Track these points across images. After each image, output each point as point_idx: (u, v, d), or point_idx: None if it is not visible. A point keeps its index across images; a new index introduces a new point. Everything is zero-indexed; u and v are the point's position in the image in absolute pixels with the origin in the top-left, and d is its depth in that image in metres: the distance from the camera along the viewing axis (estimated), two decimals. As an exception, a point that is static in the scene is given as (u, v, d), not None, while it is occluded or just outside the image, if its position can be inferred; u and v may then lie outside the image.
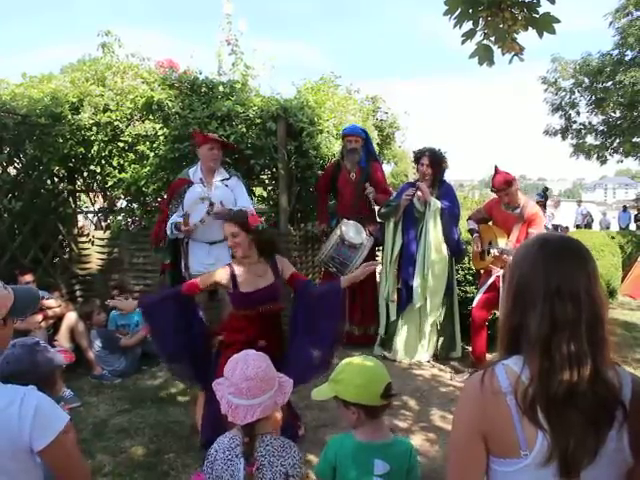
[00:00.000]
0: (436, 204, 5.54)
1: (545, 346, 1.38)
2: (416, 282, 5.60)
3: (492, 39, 2.97)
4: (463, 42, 3.00)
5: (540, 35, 2.93)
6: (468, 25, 2.97)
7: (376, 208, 6.30)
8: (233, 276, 3.68)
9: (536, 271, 1.44)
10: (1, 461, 1.67)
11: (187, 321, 3.74)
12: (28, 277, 5.25)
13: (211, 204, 4.69)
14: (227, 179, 5.10)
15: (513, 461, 1.38)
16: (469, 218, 5.67)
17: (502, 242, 5.13)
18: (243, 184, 5.21)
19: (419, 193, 5.58)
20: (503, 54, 3.04)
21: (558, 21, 2.91)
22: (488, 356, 5.36)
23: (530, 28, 2.94)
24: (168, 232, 4.78)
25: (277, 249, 3.94)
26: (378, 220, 6.25)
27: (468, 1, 2.86)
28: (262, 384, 2.12)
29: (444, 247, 5.60)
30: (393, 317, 5.80)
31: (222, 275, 3.69)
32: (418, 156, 5.70)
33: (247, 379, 2.10)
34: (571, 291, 1.40)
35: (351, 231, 5.74)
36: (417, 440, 4.06)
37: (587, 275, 1.42)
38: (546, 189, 17.20)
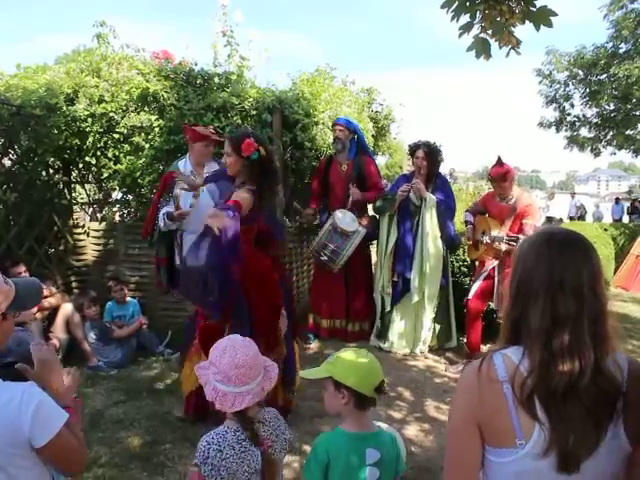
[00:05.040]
0: (432, 200, 5.57)
1: (546, 340, 1.38)
2: (413, 275, 5.63)
3: (489, 32, 2.98)
4: (460, 35, 3.01)
5: (537, 28, 2.94)
6: (465, 18, 2.97)
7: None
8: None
9: (540, 264, 1.45)
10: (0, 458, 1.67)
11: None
12: (20, 268, 5.22)
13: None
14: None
15: (509, 451, 1.39)
16: (466, 210, 5.71)
17: (495, 232, 5.16)
18: None
19: (416, 187, 5.60)
20: (500, 47, 3.04)
21: (555, 14, 2.92)
22: (483, 347, 5.41)
23: (527, 21, 2.95)
24: (161, 224, 4.70)
25: (272, 180, 3.90)
26: (371, 214, 6.26)
27: (465, -6, 2.86)
28: (250, 372, 2.10)
29: (440, 242, 5.64)
30: (388, 308, 5.83)
31: None
32: (414, 149, 5.73)
33: (236, 367, 2.08)
34: (574, 286, 1.40)
35: (344, 219, 5.75)
36: (412, 431, 4.09)
37: (591, 270, 1.42)
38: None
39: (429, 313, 5.74)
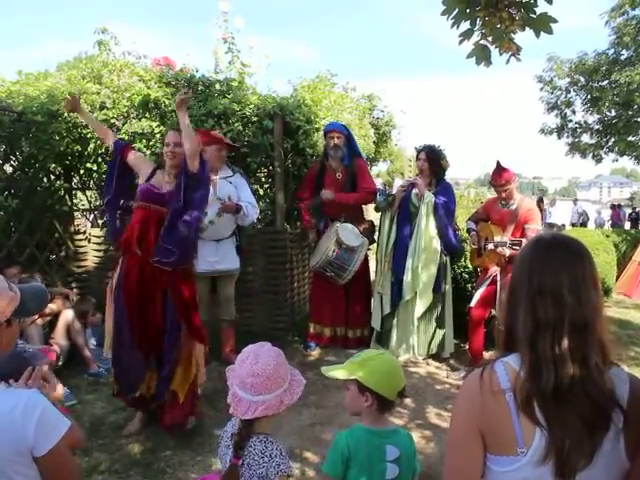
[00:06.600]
0: (429, 197, 5.57)
1: (531, 345, 1.38)
2: (407, 276, 5.62)
3: (489, 39, 2.98)
4: (460, 42, 3.01)
5: (537, 35, 2.94)
6: (465, 25, 2.98)
7: (364, 207, 6.37)
8: (153, 172, 4.07)
9: (523, 268, 1.45)
10: (2, 466, 1.65)
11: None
12: (15, 269, 5.22)
13: (222, 203, 4.75)
14: (230, 176, 5.16)
15: (510, 459, 1.38)
16: (469, 219, 5.71)
17: (498, 238, 5.15)
18: (246, 180, 5.27)
19: (415, 191, 5.63)
20: (500, 54, 3.05)
21: (555, 21, 2.92)
22: (485, 354, 5.39)
23: (527, 28, 2.95)
24: None
25: None
26: (366, 219, 6.25)
27: (465, 1, 2.86)
28: (268, 382, 2.05)
29: (436, 242, 5.61)
30: (387, 310, 5.81)
31: (148, 166, 4.15)
32: (418, 152, 5.86)
33: (253, 375, 2.04)
34: (552, 290, 1.39)
35: (348, 234, 5.73)
36: (413, 438, 4.06)
37: (573, 274, 1.40)
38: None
39: (425, 318, 5.75)
